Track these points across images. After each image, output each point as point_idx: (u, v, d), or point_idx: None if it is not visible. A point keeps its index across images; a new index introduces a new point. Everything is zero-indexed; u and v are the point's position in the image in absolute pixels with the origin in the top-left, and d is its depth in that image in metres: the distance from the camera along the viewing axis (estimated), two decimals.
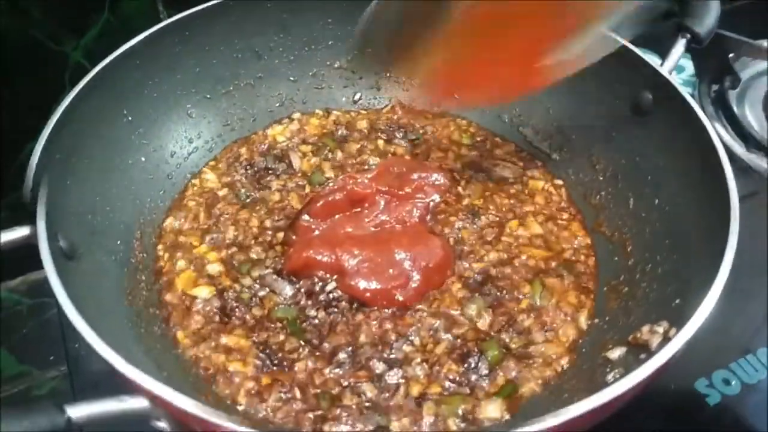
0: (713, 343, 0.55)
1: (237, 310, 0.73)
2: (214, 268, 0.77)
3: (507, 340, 0.70)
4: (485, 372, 0.68)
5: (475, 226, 0.81)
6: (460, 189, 0.85)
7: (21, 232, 0.61)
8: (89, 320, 0.54)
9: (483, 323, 0.71)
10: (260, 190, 0.86)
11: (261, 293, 0.74)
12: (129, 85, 0.80)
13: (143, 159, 0.83)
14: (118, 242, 0.76)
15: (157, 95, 0.84)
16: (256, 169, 0.88)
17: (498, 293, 0.74)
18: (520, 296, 0.74)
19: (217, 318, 0.73)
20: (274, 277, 0.75)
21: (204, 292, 0.75)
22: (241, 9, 0.86)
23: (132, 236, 0.78)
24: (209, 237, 0.80)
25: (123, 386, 0.53)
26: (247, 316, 0.72)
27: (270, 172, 0.88)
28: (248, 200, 0.85)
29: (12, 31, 0.80)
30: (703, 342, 0.54)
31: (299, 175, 0.87)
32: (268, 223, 0.81)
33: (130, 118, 0.81)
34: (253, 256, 0.78)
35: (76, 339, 0.54)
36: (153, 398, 0.51)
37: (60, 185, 0.69)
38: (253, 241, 0.80)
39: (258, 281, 0.75)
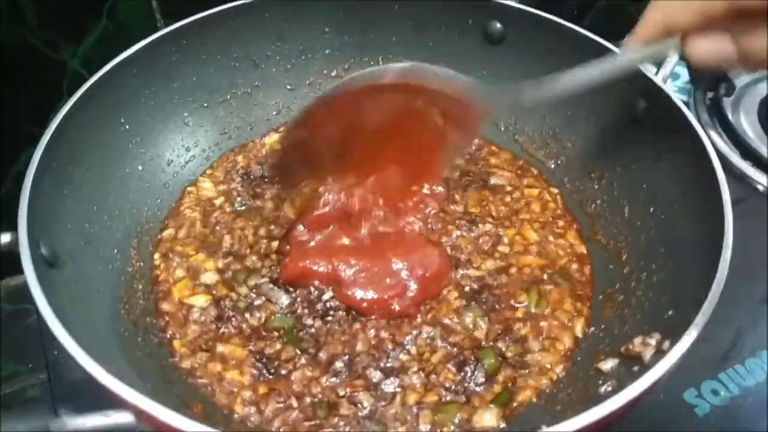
0: (702, 353, 0.55)
1: (233, 319, 0.73)
2: (211, 277, 0.77)
3: (503, 349, 0.70)
4: (481, 380, 0.68)
5: (472, 235, 0.81)
6: (457, 197, 0.85)
7: (3, 238, 0.61)
8: (72, 331, 0.53)
9: (479, 332, 0.72)
10: (255, 198, 0.86)
11: (257, 302, 0.74)
12: (126, 94, 0.80)
13: (140, 167, 0.83)
14: (115, 251, 0.76)
15: (155, 104, 0.84)
16: (252, 177, 0.88)
17: (494, 301, 0.74)
18: (517, 305, 0.74)
19: (213, 327, 0.73)
20: (270, 286, 0.75)
21: (200, 300, 0.75)
22: (239, 18, 0.86)
23: (129, 245, 0.78)
24: (205, 246, 0.80)
25: (107, 400, 0.52)
26: (244, 325, 0.72)
27: (265, 180, 0.87)
28: (244, 209, 0.85)
29: (10, 39, 0.80)
30: (692, 352, 0.54)
31: None
32: (262, 232, 0.81)
33: (127, 127, 0.81)
34: (249, 265, 0.78)
35: (57, 347, 0.54)
36: (138, 413, 0.51)
37: (57, 193, 0.69)
38: (248, 250, 0.79)
39: (254, 290, 0.75)
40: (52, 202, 0.67)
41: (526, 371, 0.69)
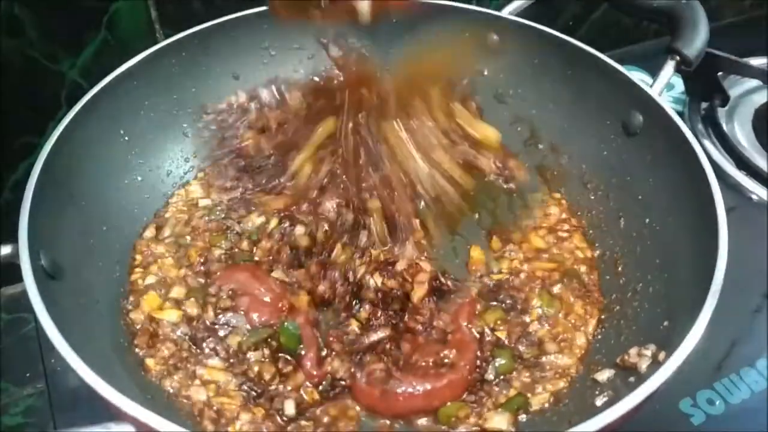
0: (697, 363, 0.56)
1: (208, 340, 0.69)
2: (179, 291, 0.74)
3: (522, 349, 0.70)
4: (491, 377, 0.68)
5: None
6: None
7: (3, 250, 0.62)
8: (73, 343, 0.53)
9: (501, 332, 0.72)
10: (230, 210, 0.83)
11: (233, 321, 0.71)
12: (126, 106, 0.80)
13: (140, 178, 0.83)
14: (115, 261, 0.76)
15: (154, 115, 0.84)
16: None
17: (512, 303, 0.74)
18: (530, 307, 0.74)
19: (189, 347, 0.69)
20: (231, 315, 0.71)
21: (172, 315, 0.72)
22: (237, 30, 0.86)
23: (128, 256, 0.78)
24: (179, 257, 0.78)
25: (106, 410, 0.53)
26: (219, 348, 0.69)
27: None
28: (222, 216, 0.82)
29: (9, 50, 0.80)
30: (688, 361, 0.55)
31: None
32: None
33: (126, 138, 0.81)
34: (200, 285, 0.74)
35: (55, 356, 0.54)
36: (139, 425, 0.51)
37: (57, 205, 0.69)
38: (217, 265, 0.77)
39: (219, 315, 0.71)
40: (52, 213, 0.68)
41: (543, 373, 0.69)
